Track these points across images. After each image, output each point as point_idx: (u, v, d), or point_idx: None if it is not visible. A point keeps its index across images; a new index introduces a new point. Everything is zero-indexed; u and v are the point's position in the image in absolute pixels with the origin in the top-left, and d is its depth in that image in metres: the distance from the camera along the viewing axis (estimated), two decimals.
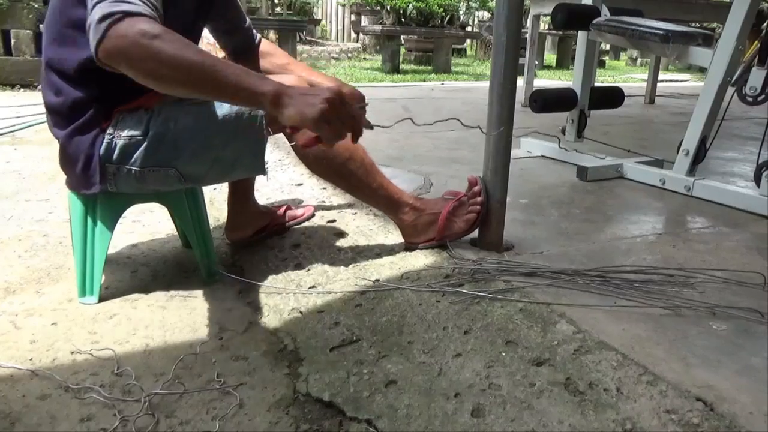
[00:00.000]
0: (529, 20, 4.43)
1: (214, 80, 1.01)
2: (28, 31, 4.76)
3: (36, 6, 4.76)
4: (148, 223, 1.87)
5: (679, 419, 0.85)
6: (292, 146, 1.43)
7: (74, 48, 1.20)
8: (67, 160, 1.29)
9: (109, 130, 1.25)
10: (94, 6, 1.01)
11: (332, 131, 1.05)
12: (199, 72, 1.00)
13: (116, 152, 1.25)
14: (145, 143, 1.25)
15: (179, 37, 1.00)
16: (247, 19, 1.57)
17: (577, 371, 0.97)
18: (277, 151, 2.50)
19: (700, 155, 2.13)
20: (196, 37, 1.43)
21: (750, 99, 1.93)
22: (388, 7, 7.38)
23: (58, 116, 1.26)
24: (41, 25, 4.76)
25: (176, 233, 1.74)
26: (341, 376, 1.05)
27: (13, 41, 4.73)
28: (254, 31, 1.59)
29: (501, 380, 0.98)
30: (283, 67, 1.56)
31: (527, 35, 4.45)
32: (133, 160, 1.25)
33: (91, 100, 1.24)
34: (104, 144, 1.24)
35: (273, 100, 1.02)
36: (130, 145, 1.25)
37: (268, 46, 1.61)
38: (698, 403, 0.87)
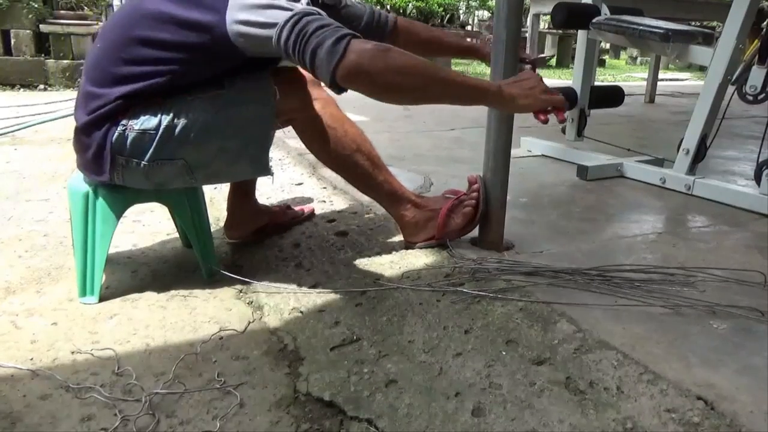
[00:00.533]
0: (528, 19, 4.43)
1: (445, 83, 1.14)
2: (27, 31, 4.76)
3: (36, 6, 4.76)
4: (148, 223, 1.87)
5: (680, 418, 0.85)
6: (299, 136, 1.43)
7: (149, 66, 1.22)
8: (80, 145, 1.31)
9: (123, 121, 1.25)
10: (308, 36, 1.10)
11: (560, 101, 1.23)
12: (432, 77, 1.13)
13: (128, 144, 1.26)
14: (157, 138, 1.25)
15: (400, 49, 1.13)
16: (368, 9, 1.55)
17: (577, 370, 0.97)
18: (278, 151, 2.50)
19: (700, 154, 2.12)
20: None
21: (750, 98, 1.92)
22: (388, 7, 7.39)
23: (92, 101, 1.27)
24: (42, 25, 4.77)
25: (176, 233, 1.74)
26: (342, 375, 1.05)
27: (13, 41, 4.73)
28: (384, 18, 1.57)
29: (501, 379, 0.98)
30: (426, 41, 1.59)
31: (527, 34, 4.45)
32: (142, 153, 1.26)
33: (128, 99, 1.24)
34: (116, 135, 1.25)
35: (498, 94, 1.18)
36: (142, 139, 1.25)
37: (404, 26, 1.60)
38: (699, 402, 0.87)
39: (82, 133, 1.29)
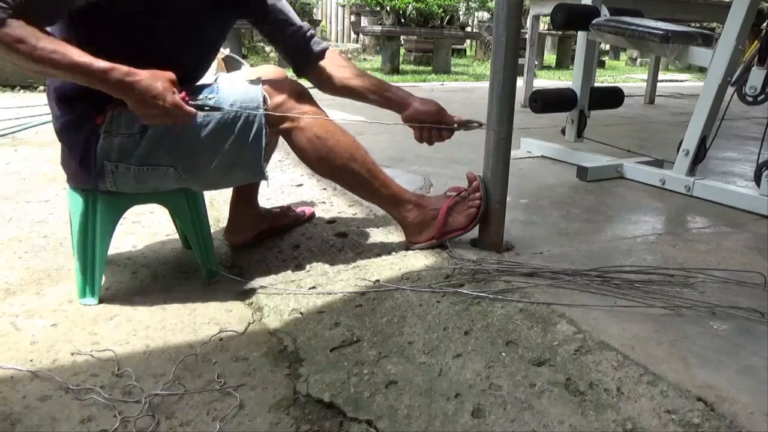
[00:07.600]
0: (528, 20, 4.43)
1: (72, 68, 1.07)
2: None
3: None
4: (148, 224, 1.87)
5: (680, 419, 0.85)
6: (292, 149, 1.43)
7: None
8: (65, 154, 1.32)
9: (105, 128, 1.25)
10: None
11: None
12: (57, 64, 1.06)
13: (115, 149, 1.26)
14: (144, 140, 1.25)
15: (34, 32, 1.04)
16: (304, 26, 1.47)
17: (577, 371, 0.97)
18: (277, 152, 2.49)
19: (700, 155, 2.13)
20: (213, 26, 1.36)
21: (750, 99, 1.93)
22: (388, 8, 7.38)
23: (56, 103, 1.28)
24: None
25: (176, 234, 1.74)
26: (341, 376, 1.05)
27: None
28: (318, 44, 1.49)
29: (501, 380, 0.98)
30: (345, 90, 1.53)
31: (527, 35, 4.45)
32: (131, 157, 1.26)
33: (82, 91, 1.22)
34: (101, 142, 1.25)
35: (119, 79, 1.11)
36: (129, 141, 1.25)
37: (328, 67, 1.51)
38: (699, 403, 0.87)
39: (64, 140, 1.30)
